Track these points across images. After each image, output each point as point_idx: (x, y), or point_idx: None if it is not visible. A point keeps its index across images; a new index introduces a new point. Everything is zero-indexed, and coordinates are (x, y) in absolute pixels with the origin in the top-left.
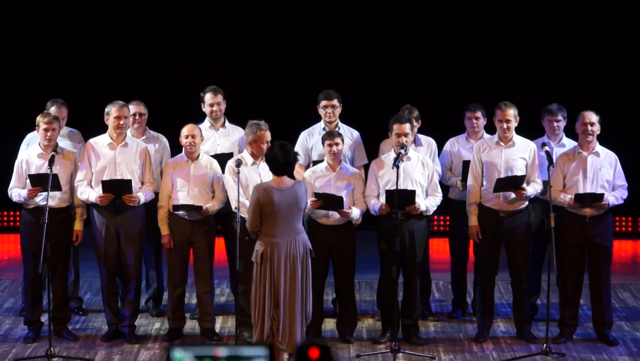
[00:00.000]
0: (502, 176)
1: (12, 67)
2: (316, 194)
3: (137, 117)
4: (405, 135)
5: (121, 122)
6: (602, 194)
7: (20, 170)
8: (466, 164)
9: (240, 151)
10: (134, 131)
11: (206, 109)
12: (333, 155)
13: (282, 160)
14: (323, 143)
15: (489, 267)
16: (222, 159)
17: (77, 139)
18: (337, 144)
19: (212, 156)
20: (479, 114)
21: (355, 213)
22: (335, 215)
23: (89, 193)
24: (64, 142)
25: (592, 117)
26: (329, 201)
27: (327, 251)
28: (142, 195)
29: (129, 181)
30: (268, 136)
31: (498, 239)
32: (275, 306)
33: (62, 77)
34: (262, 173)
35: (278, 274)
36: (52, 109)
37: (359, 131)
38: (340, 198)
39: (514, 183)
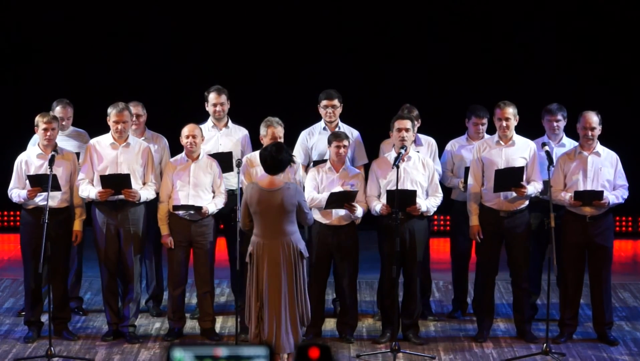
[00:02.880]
0: None
1: (13, 68)
2: (331, 194)
3: (134, 118)
4: (407, 130)
5: (119, 126)
6: (602, 192)
7: (19, 170)
8: (468, 170)
9: (242, 151)
10: (133, 132)
11: (209, 108)
12: (339, 157)
13: (271, 158)
14: (330, 143)
15: (489, 267)
16: (221, 158)
17: (85, 140)
18: (344, 146)
19: (210, 155)
20: (485, 120)
21: (359, 211)
22: (339, 212)
23: (90, 190)
24: (71, 143)
25: (593, 120)
26: (341, 198)
27: (329, 251)
28: (142, 192)
29: (128, 176)
30: (277, 133)
31: (498, 239)
32: (262, 306)
33: (64, 78)
34: None
35: (262, 276)
36: (58, 109)
37: (359, 130)
38: (354, 192)
39: (513, 176)
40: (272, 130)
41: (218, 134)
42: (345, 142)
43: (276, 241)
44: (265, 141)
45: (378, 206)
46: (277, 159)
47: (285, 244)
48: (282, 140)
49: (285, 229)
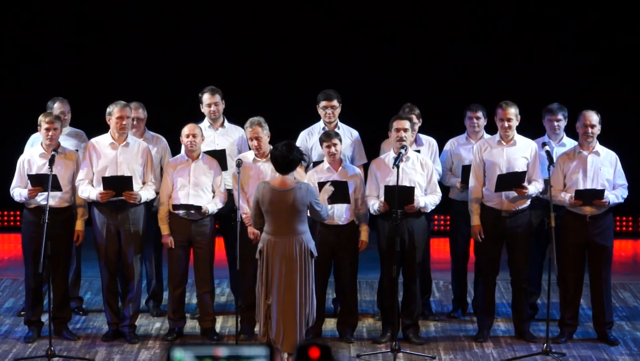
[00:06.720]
0: None
1: (13, 67)
2: (319, 183)
3: (134, 122)
4: (405, 130)
5: (124, 122)
6: (603, 190)
7: (21, 170)
8: (466, 168)
9: (239, 150)
10: (133, 133)
11: (204, 109)
12: (332, 156)
13: (283, 158)
14: (321, 144)
15: (490, 267)
16: (213, 156)
17: (83, 139)
18: (334, 145)
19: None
20: (479, 114)
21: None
22: (342, 214)
23: (90, 191)
24: (70, 142)
25: (593, 118)
26: (336, 190)
27: (330, 251)
28: (143, 193)
29: (130, 178)
30: (255, 132)
31: (499, 238)
32: (271, 304)
33: (63, 77)
34: (263, 170)
35: (272, 273)
36: (55, 106)
37: (359, 131)
38: (345, 183)
39: (515, 179)
40: (249, 130)
41: (214, 134)
42: (336, 141)
43: (288, 239)
44: (249, 143)
45: (376, 204)
46: (288, 158)
47: (296, 243)
48: (261, 140)
49: (297, 228)
